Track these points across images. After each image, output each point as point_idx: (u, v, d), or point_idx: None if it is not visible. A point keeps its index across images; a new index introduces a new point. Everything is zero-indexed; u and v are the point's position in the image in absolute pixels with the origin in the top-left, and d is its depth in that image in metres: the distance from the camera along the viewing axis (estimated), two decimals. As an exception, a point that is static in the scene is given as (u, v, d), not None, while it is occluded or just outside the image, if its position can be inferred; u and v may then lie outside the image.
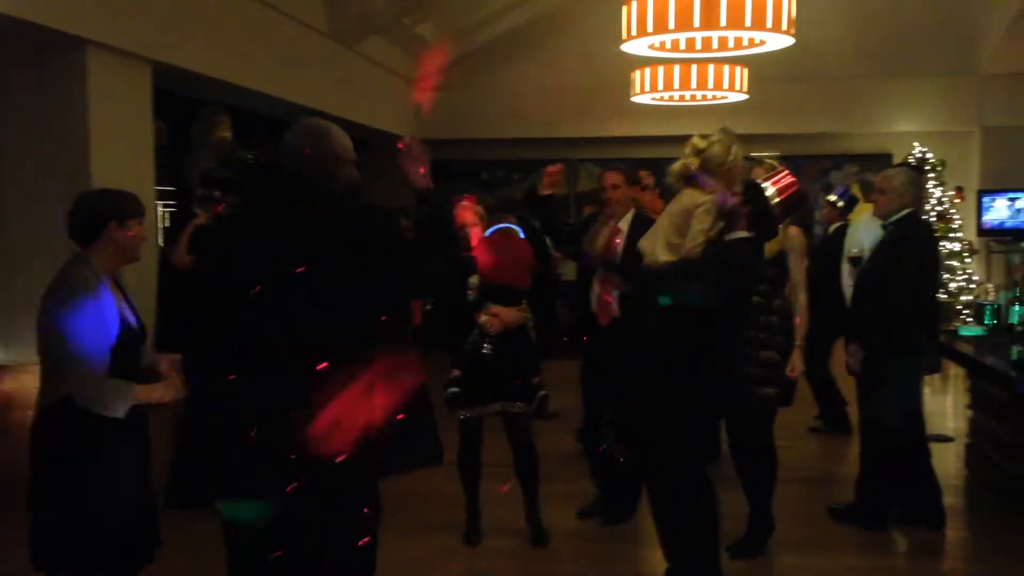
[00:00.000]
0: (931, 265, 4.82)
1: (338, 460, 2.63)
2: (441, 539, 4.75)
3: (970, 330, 5.87)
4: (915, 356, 4.70)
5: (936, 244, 5.08)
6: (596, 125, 11.85)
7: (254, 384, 2.68)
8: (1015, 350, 4.58)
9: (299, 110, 7.90)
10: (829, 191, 12.49)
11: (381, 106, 10.53)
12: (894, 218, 4.68)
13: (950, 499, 5.10)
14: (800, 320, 4.37)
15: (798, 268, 4.40)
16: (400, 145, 2.91)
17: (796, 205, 3.72)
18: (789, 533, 4.66)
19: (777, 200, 3.60)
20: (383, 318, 2.84)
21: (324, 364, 2.63)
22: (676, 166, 3.83)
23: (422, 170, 2.85)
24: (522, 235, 4.71)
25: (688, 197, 3.71)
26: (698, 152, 3.77)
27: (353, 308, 2.70)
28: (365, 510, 2.75)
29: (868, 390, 4.78)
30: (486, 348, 4.45)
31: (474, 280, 4.48)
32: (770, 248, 4.12)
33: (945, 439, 6.48)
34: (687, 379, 3.67)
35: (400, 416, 3.16)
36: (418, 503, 5.24)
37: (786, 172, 3.73)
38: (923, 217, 4.94)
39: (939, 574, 4.53)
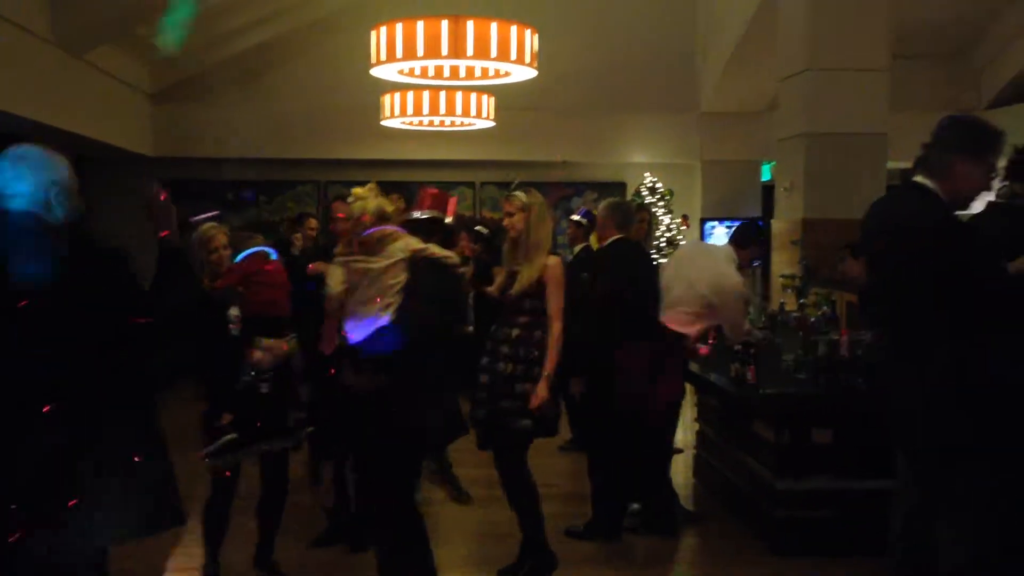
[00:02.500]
0: (644, 284, 5.16)
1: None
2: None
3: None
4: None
5: (646, 265, 5.46)
6: (347, 147, 11.76)
7: None
8: (733, 367, 4.99)
9: (19, 122, 7.25)
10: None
11: (113, 120, 9.88)
12: (606, 244, 5.19)
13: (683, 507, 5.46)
14: (551, 351, 4.19)
15: (556, 299, 4.23)
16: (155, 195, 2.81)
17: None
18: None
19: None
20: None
21: (48, 407, 2.44)
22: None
23: (165, 228, 2.77)
24: (274, 257, 4.48)
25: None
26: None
27: (79, 346, 2.52)
28: None
29: (594, 409, 5.11)
30: (264, 388, 4.15)
31: (234, 312, 4.11)
32: (528, 277, 4.20)
33: (676, 451, 6.93)
34: (399, 415, 3.74)
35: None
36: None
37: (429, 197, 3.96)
38: (633, 241, 5.38)
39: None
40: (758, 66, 10.40)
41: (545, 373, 4.17)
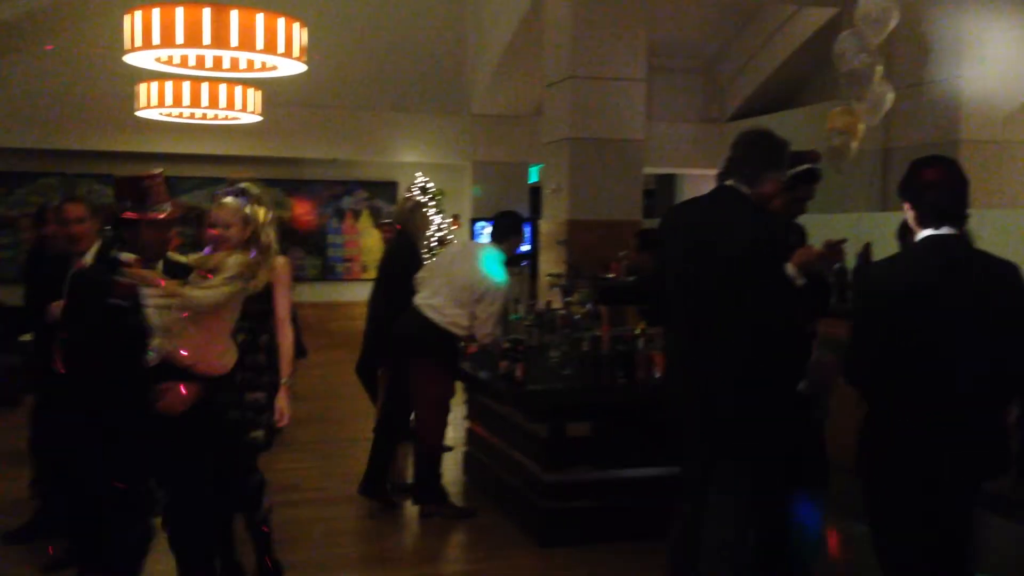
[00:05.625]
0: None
1: None
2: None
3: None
4: None
5: (415, 258, 5.83)
6: (98, 138, 10.99)
7: None
8: (502, 364, 5.09)
9: None
10: (341, 215, 13.01)
11: None
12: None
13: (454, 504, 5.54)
14: (284, 357, 4.02)
15: (284, 301, 4.05)
16: None
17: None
18: (302, 555, 4.69)
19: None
20: None
21: None
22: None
23: None
24: None
25: None
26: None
27: None
28: None
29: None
30: None
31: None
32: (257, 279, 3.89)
33: (446, 448, 6.99)
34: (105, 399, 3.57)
35: None
36: None
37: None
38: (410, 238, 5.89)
39: (443, 574, 4.88)
40: (526, 71, 10.71)
41: (284, 382, 4.01)
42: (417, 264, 5.86)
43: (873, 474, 3.20)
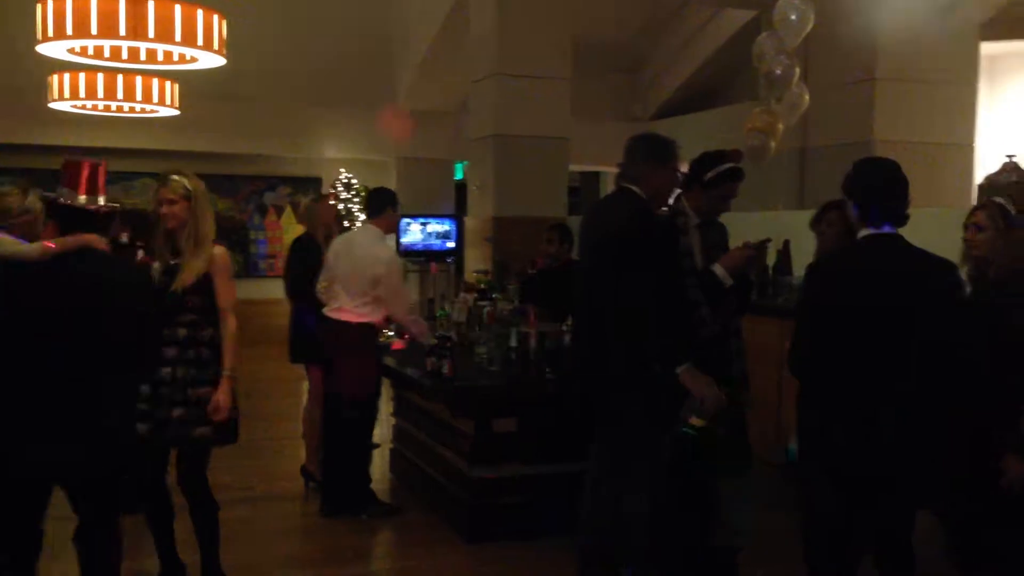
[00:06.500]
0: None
1: None
2: None
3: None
4: None
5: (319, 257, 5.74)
6: (10, 131, 10.62)
7: None
8: (429, 361, 5.08)
9: None
10: (264, 211, 12.82)
11: None
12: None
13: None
14: (227, 348, 3.94)
15: (226, 291, 3.97)
16: None
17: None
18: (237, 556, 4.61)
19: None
20: None
21: None
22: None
23: None
24: None
25: None
26: None
27: None
28: None
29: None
30: None
31: None
32: (196, 271, 3.87)
33: (373, 446, 6.95)
34: None
35: None
36: None
37: None
38: (312, 237, 5.93)
39: (371, 575, 4.84)
40: (451, 67, 10.68)
41: (226, 374, 3.92)
42: (319, 264, 5.64)
43: (809, 465, 3.30)
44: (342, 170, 11.90)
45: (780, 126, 7.84)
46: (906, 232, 3.23)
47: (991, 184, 4.48)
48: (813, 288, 3.35)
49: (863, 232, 3.23)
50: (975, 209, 3.69)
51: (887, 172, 3.28)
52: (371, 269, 5.24)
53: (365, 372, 5.35)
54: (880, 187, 3.23)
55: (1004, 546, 3.45)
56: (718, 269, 3.85)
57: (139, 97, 8.16)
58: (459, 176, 12.86)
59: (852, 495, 3.20)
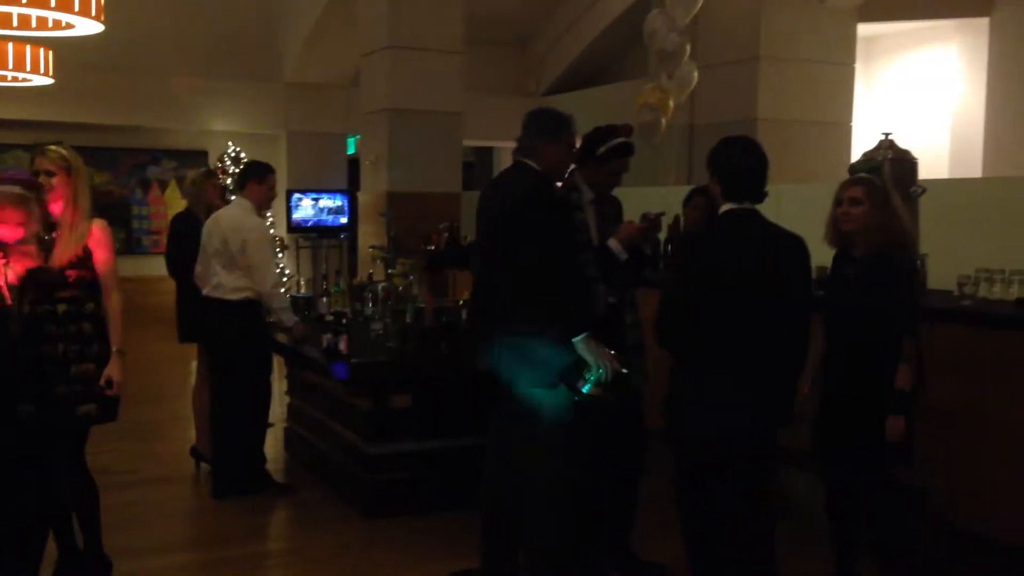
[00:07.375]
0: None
1: None
2: None
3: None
4: None
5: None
6: None
7: None
8: (326, 339, 5.02)
9: None
10: (147, 186, 12.38)
11: None
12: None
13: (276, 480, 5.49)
14: (114, 323, 3.87)
15: (107, 264, 3.87)
16: None
17: None
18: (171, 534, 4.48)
19: None
20: None
21: None
22: None
23: None
24: None
25: None
26: None
27: None
28: None
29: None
30: None
31: None
32: (76, 245, 3.75)
33: (267, 425, 6.84)
34: None
35: None
36: None
37: None
38: (193, 214, 5.74)
39: (267, 554, 4.79)
40: (341, 40, 10.50)
41: (115, 349, 3.84)
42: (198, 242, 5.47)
43: (678, 430, 3.46)
44: (230, 143, 11.58)
45: (671, 103, 8.00)
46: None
47: (868, 160, 4.66)
48: (675, 261, 3.53)
49: (724, 207, 3.39)
50: (852, 183, 3.78)
51: (747, 150, 3.42)
52: (238, 236, 5.15)
53: (252, 351, 5.26)
54: (740, 165, 3.38)
55: (872, 498, 3.67)
56: (613, 243, 3.92)
57: (11, 65, 7.76)
58: (351, 151, 12.68)
59: (711, 459, 3.41)
